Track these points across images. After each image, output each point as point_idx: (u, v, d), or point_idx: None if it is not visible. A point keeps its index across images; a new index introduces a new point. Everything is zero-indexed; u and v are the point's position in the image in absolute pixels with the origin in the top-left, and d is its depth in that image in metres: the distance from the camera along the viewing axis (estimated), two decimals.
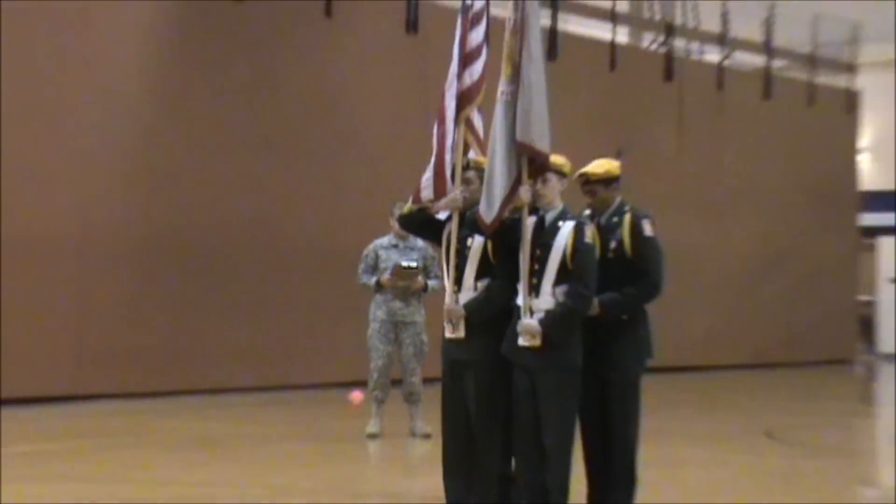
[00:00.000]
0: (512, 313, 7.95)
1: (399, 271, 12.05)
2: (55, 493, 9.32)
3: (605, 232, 8.05)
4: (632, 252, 8.03)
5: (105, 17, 15.92)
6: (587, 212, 8.20)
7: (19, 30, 15.09)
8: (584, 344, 7.94)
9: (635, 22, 24.48)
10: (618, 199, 8.17)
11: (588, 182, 8.13)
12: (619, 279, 7.97)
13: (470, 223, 8.11)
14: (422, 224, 8.52)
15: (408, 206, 8.47)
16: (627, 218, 8.07)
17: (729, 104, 24.19)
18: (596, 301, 7.93)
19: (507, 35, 8.04)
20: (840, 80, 27.13)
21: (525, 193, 7.93)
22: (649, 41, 24.27)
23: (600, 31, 22.36)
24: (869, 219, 28.02)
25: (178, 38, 16.76)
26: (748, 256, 24.50)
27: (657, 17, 23.97)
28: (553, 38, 20.53)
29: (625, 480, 8.15)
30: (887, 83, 28.37)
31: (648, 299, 8.11)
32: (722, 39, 24.59)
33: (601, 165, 8.19)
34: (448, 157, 8.24)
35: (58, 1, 15.45)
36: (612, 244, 8.03)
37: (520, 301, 7.89)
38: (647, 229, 8.08)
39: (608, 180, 8.14)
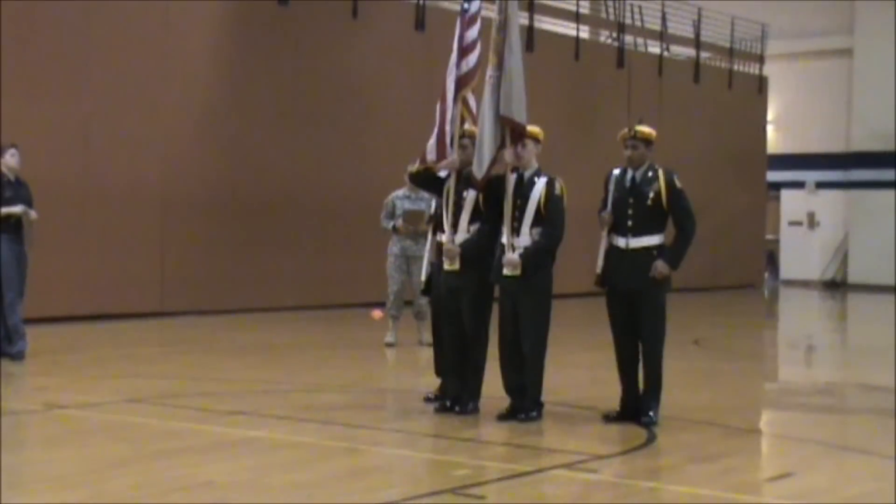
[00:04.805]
0: (497, 251, 7.91)
1: (407, 215, 12.01)
2: (146, 387, 9.31)
3: (642, 185, 7.82)
4: (667, 200, 7.80)
5: (181, 17, 15.75)
6: (616, 170, 7.94)
7: (109, 27, 14.94)
8: (619, 282, 7.84)
9: (594, 22, 24.38)
10: (648, 160, 7.92)
11: (635, 138, 7.85)
12: (654, 219, 7.83)
13: (465, 180, 8.07)
14: (427, 180, 8.48)
15: (416, 167, 8.42)
16: (661, 174, 7.86)
17: (666, 87, 24.05)
18: (665, 265, 7.86)
19: (493, 32, 7.99)
20: (752, 68, 27.02)
21: (508, 156, 7.89)
22: (605, 37, 24.15)
23: (567, 28, 22.23)
24: (774, 176, 28.06)
25: (238, 34, 16.61)
26: None
27: (611, 17, 23.86)
28: (530, 34, 20.37)
29: (655, 386, 8.01)
30: (788, 71, 28.36)
31: (694, 235, 7.92)
32: (661, 36, 24.47)
33: (647, 128, 7.89)
34: (448, 128, 8.23)
35: (142, 2, 15.30)
36: (651, 194, 7.79)
37: (504, 240, 7.86)
38: (678, 183, 7.89)
39: (649, 142, 7.89)
